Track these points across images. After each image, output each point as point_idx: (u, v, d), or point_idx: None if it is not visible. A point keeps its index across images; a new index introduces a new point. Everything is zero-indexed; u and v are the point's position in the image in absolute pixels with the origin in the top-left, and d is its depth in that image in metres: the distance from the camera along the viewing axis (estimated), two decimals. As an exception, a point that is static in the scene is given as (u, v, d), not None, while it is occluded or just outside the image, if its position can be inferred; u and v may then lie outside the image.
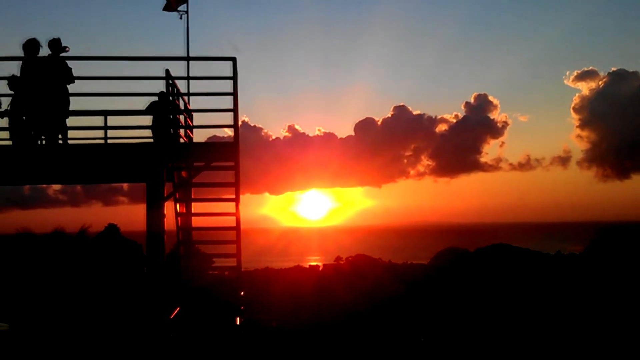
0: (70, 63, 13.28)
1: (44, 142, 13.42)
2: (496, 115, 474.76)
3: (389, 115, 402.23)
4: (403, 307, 29.84)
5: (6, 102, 13.24)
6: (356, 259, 38.58)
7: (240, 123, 13.78)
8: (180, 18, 16.08)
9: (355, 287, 30.37)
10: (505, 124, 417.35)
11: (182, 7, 16.08)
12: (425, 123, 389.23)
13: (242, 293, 14.61)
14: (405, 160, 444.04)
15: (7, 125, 13.29)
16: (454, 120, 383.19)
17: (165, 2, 16.07)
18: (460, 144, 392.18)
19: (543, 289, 37.88)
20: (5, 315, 17.47)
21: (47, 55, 13.28)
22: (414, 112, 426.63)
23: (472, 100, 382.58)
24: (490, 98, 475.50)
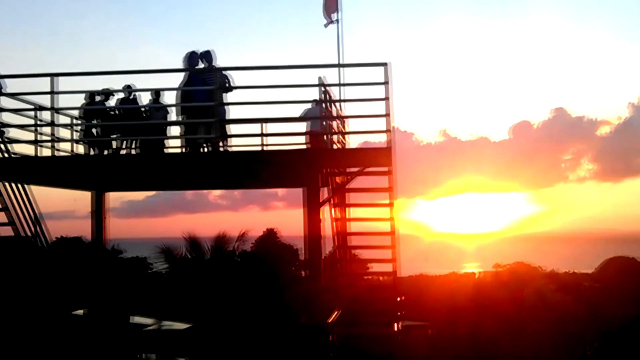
0: (227, 73, 13.84)
1: (207, 149, 14.02)
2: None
3: (547, 118, 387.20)
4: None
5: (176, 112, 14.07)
6: (515, 267, 37.21)
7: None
8: (326, 26, 16.25)
9: (516, 295, 29.22)
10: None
11: (334, 16, 16.30)
12: (585, 125, 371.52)
13: (400, 298, 14.47)
14: (564, 165, 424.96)
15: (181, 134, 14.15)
16: (617, 122, 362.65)
17: (325, 17, 16.35)
18: (625, 146, 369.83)
19: None
20: (181, 315, 18.32)
21: (205, 66, 13.91)
22: (573, 115, 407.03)
23: (637, 101, 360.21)
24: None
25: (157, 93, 14.74)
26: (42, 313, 14.15)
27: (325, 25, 16.21)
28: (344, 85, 14.56)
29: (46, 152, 14.44)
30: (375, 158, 13.38)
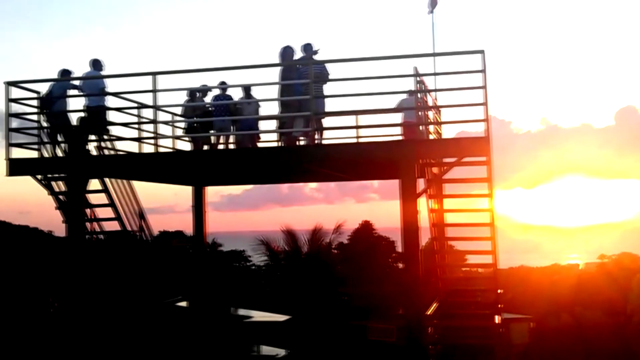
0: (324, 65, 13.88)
1: (302, 142, 14.13)
2: None
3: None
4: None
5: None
6: (620, 258, 35.82)
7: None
8: (429, 13, 16.17)
9: (621, 287, 28.10)
10: None
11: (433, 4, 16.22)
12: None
13: (500, 291, 14.19)
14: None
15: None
16: None
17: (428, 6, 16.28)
18: None
19: None
20: (280, 307, 18.61)
21: (300, 58, 14.01)
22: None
23: None
24: None
25: (247, 88, 14.94)
26: (146, 304, 14.69)
27: (429, 13, 16.14)
28: (439, 74, 14.32)
29: (148, 148, 14.91)
30: (472, 148, 13.10)
